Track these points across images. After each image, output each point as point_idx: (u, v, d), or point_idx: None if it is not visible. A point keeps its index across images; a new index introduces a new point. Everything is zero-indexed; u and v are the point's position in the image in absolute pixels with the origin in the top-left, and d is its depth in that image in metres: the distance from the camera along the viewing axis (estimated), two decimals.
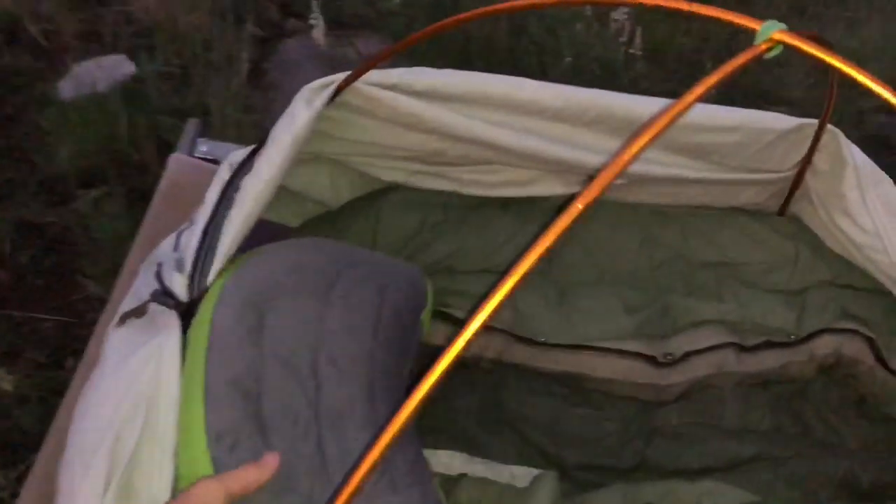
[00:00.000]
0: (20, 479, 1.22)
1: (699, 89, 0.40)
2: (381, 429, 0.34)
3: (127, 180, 1.64)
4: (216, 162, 0.96)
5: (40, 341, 1.40)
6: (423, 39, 0.51)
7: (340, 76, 0.58)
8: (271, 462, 0.47)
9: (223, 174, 0.64)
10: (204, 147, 0.95)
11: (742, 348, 0.72)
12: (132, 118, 1.68)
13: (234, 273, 0.56)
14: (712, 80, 0.40)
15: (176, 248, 0.71)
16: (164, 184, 0.89)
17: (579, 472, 0.66)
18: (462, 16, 0.48)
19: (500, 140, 0.64)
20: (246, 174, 0.61)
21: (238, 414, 0.49)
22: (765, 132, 0.66)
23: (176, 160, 0.92)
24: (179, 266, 0.60)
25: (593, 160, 0.67)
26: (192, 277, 0.56)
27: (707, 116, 0.65)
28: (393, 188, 0.75)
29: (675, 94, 0.39)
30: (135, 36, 1.87)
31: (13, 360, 1.35)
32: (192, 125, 0.98)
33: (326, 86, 0.58)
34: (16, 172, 1.62)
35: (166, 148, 1.69)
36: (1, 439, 1.25)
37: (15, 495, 1.19)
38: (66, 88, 1.72)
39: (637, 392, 0.71)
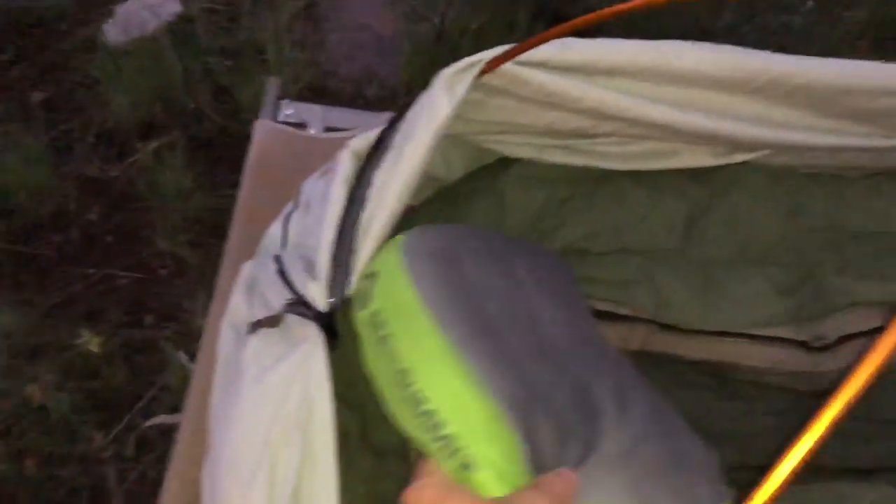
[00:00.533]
0: (117, 439, 1.23)
1: None
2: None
3: (185, 129, 1.58)
4: (302, 126, 0.90)
5: (118, 299, 1.39)
6: (595, 21, 0.43)
7: (483, 57, 0.51)
8: (574, 476, 0.42)
9: (345, 165, 0.58)
10: (289, 110, 0.89)
11: None
12: (184, 61, 1.61)
13: (404, 244, 0.51)
14: None
15: (284, 238, 0.66)
16: (253, 154, 0.83)
17: (735, 472, 0.61)
18: None
19: (654, 116, 0.57)
20: (376, 168, 0.55)
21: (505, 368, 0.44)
22: None
23: (262, 127, 0.86)
24: (310, 270, 0.55)
25: (755, 131, 0.59)
26: (330, 288, 0.52)
27: (894, 78, 0.57)
28: (512, 161, 0.68)
29: None
30: None
31: (96, 320, 1.35)
32: (272, 86, 0.91)
33: (469, 67, 0.51)
34: (71, 125, 1.57)
35: (221, 92, 1.63)
36: (95, 400, 1.27)
37: (115, 455, 1.21)
38: (113, 32, 1.64)
39: (789, 382, 0.66)
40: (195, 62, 1.59)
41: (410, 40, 1.62)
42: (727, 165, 0.69)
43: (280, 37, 1.56)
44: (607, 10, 0.42)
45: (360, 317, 0.50)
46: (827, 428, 0.30)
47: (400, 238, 0.52)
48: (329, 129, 0.90)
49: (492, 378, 0.44)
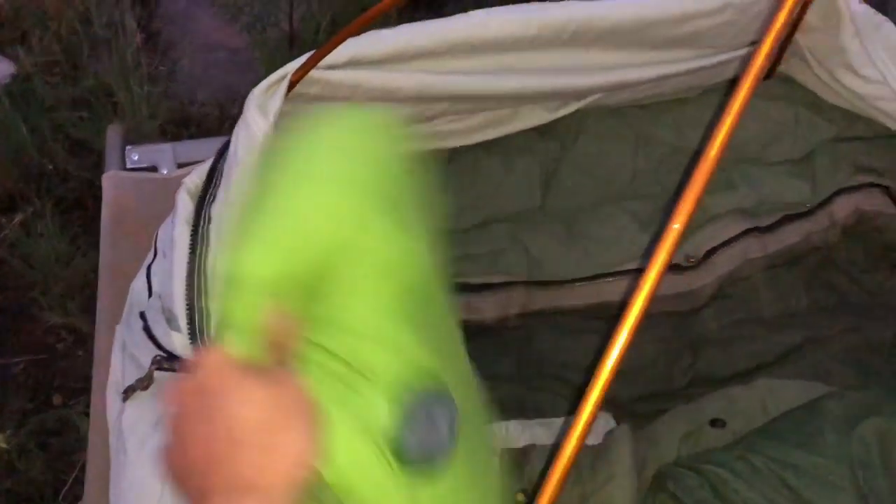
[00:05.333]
0: None
1: None
2: None
3: (49, 193, 1.50)
4: (153, 169, 0.87)
5: (19, 387, 1.32)
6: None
7: (289, 69, 0.50)
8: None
9: (184, 206, 0.56)
10: (135, 155, 0.86)
11: (761, 230, 0.70)
12: (31, 122, 1.52)
13: None
14: None
15: (149, 288, 0.64)
16: (107, 208, 0.80)
17: (634, 404, 0.64)
18: None
19: (475, 88, 0.57)
20: (212, 202, 0.54)
21: None
22: (752, 3, 0.60)
23: (111, 179, 0.82)
24: (171, 321, 0.53)
25: (579, 80, 0.61)
26: (192, 334, 0.50)
27: (690, 3, 0.59)
28: None
29: None
30: (1, 29, 1.66)
31: (0, 415, 1.28)
32: (113, 134, 0.87)
33: (277, 82, 0.50)
34: None
35: (77, 146, 1.55)
36: (17, 497, 1.20)
37: None
38: None
39: (669, 305, 0.69)
40: (43, 121, 1.51)
41: (262, 50, 1.58)
42: (570, 114, 0.71)
43: (126, 75, 1.49)
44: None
45: None
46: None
47: None
48: (183, 165, 0.87)
49: None
